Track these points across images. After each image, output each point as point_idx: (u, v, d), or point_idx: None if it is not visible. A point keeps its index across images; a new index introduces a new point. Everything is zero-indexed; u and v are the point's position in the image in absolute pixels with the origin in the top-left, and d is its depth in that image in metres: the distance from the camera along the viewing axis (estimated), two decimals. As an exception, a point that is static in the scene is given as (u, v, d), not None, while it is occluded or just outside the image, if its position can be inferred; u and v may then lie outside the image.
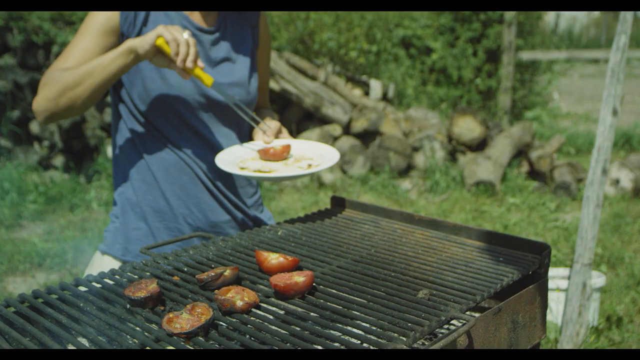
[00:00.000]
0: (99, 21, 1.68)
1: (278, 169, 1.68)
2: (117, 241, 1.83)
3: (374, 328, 1.06)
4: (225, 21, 1.85)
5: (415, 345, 1.04)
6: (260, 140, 1.82)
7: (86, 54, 1.66)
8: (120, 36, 1.71)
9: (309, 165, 1.71)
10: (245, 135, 1.95)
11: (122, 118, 1.81)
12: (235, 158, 1.75)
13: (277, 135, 1.85)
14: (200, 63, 1.62)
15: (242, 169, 1.69)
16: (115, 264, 1.80)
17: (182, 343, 1.03)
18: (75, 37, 1.69)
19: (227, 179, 1.86)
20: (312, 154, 1.80)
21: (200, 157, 1.80)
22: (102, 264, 1.82)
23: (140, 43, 1.57)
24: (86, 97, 1.62)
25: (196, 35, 1.78)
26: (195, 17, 1.81)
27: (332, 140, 6.31)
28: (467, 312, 1.25)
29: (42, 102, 1.64)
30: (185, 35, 1.59)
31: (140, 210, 1.81)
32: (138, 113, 1.77)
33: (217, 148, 1.82)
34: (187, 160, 1.79)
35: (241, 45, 1.89)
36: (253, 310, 1.15)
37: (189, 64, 1.59)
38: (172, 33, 1.57)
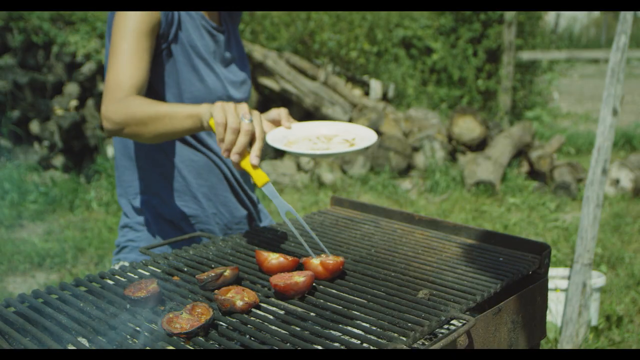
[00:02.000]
0: (142, 21, 1.60)
1: (330, 148, 1.56)
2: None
3: (374, 328, 1.06)
4: (226, 21, 1.87)
5: (415, 345, 1.04)
6: (281, 127, 1.66)
7: (141, 58, 1.59)
8: (161, 38, 1.66)
9: (346, 141, 1.64)
10: None
11: None
12: (282, 138, 1.61)
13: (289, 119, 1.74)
14: (254, 160, 1.37)
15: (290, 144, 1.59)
16: None
17: (182, 343, 1.03)
18: (120, 40, 1.59)
19: (244, 174, 1.88)
20: (341, 131, 1.75)
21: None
22: None
23: (204, 114, 1.44)
24: (151, 137, 1.54)
25: (214, 34, 1.80)
26: (209, 16, 1.82)
27: (332, 140, 6.31)
28: (467, 312, 1.25)
29: (116, 124, 1.55)
30: (244, 118, 1.37)
31: (171, 217, 1.79)
32: None
33: None
34: (216, 160, 1.81)
35: (239, 43, 1.93)
36: (253, 310, 1.15)
37: (233, 156, 1.36)
38: (224, 115, 1.37)
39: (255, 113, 1.42)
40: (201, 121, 1.45)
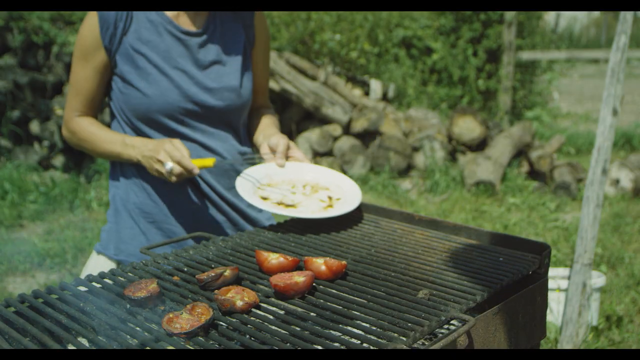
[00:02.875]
0: (83, 45, 1.74)
1: (300, 202, 1.67)
2: (111, 241, 1.84)
3: (374, 328, 1.06)
4: (215, 22, 1.81)
5: (415, 345, 1.04)
6: (272, 163, 1.78)
7: (88, 85, 1.77)
8: (106, 51, 1.74)
9: (330, 198, 1.71)
10: (244, 138, 1.93)
11: (116, 121, 1.83)
12: (255, 182, 1.72)
13: (288, 153, 1.80)
14: (191, 165, 1.62)
15: (263, 198, 1.68)
16: (110, 264, 1.82)
17: (182, 343, 1.03)
18: (73, 65, 1.79)
19: (224, 179, 1.85)
20: (328, 184, 1.78)
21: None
22: (98, 263, 1.83)
23: (143, 159, 1.69)
24: (101, 158, 1.83)
25: (182, 39, 1.76)
26: (182, 19, 1.77)
27: (332, 140, 6.31)
28: (467, 312, 1.25)
29: (68, 141, 1.86)
30: (168, 166, 1.62)
31: (130, 211, 1.82)
32: (127, 120, 1.79)
33: (213, 150, 1.81)
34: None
35: (232, 46, 1.84)
36: (253, 310, 1.15)
37: (187, 175, 1.64)
38: (154, 168, 1.66)
39: (176, 146, 1.64)
40: (139, 163, 1.72)
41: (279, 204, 1.65)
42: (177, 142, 1.65)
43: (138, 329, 1.08)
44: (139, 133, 1.78)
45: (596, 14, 21.59)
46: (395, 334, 1.04)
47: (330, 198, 1.71)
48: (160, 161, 1.63)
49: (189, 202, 1.82)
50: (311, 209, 1.64)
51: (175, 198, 1.81)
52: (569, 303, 3.07)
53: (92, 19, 1.72)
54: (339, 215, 1.63)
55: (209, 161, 1.68)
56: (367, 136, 6.44)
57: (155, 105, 1.74)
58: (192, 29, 1.79)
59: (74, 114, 1.80)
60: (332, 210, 1.64)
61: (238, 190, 1.67)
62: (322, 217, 1.61)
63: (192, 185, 1.82)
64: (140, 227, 1.82)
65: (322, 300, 1.19)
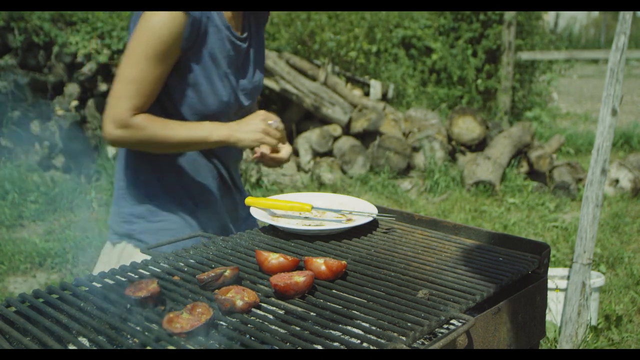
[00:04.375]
0: (163, 45, 1.63)
1: (322, 222, 1.66)
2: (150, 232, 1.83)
3: (374, 328, 1.07)
4: (249, 25, 1.86)
5: (415, 345, 1.04)
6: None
7: (157, 86, 1.68)
8: (182, 52, 1.69)
9: (342, 215, 1.70)
10: None
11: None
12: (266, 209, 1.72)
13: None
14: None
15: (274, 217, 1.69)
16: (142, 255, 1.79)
17: (182, 343, 1.03)
18: (139, 64, 1.64)
19: (236, 172, 1.96)
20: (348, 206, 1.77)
21: (227, 156, 1.89)
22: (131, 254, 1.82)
23: (243, 139, 1.71)
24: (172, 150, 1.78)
25: (236, 44, 1.79)
26: (232, 23, 1.80)
27: (332, 140, 6.32)
28: (467, 312, 1.26)
29: (120, 141, 1.69)
30: (275, 122, 1.76)
31: (171, 206, 1.84)
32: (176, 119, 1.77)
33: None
34: (216, 162, 1.86)
35: (260, 47, 1.92)
36: (253, 310, 1.15)
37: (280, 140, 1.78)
38: (272, 138, 1.74)
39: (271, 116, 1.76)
40: (237, 145, 1.72)
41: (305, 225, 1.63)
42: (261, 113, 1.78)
43: (138, 328, 1.09)
44: None
45: (595, 14, 21.60)
46: (395, 334, 1.04)
47: (342, 215, 1.70)
48: (265, 120, 1.73)
49: (215, 189, 1.87)
50: (337, 224, 1.62)
51: (208, 196, 1.86)
52: (568, 303, 3.08)
53: (178, 19, 1.63)
54: (366, 222, 1.62)
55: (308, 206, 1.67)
56: (367, 136, 6.44)
57: (213, 106, 1.76)
58: (239, 33, 1.83)
59: (130, 112, 1.66)
60: (357, 221, 1.62)
61: (254, 214, 1.66)
62: (351, 226, 1.59)
63: (221, 181, 1.89)
64: (185, 221, 1.84)
65: (322, 300, 1.19)
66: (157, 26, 1.62)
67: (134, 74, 1.65)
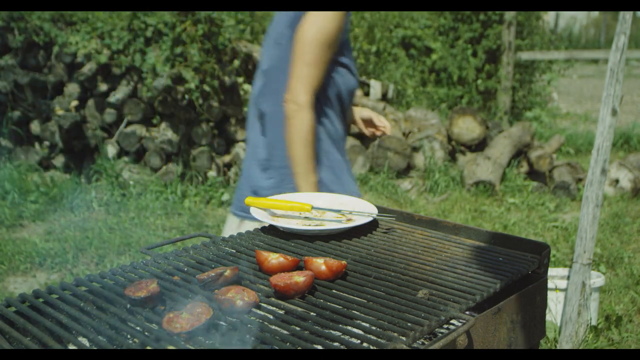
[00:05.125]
0: (335, 35, 2.00)
1: (322, 222, 1.65)
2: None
3: (374, 328, 1.07)
4: None
5: (415, 345, 1.04)
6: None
7: (325, 73, 2.03)
8: (339, 42, 2.05)
9: (342, 214, 1.70)
10: None
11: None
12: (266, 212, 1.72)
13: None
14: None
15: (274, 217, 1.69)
16: None
17: (182, 343, 1.03)
18: (318, 51, 1.98)
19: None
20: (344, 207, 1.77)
21: (342, 131, 2.20)
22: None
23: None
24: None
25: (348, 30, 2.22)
26: None
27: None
28: (467, 312, 1.26)
29: (308, 122, 1.99)
30: None
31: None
32: (327, 101, 2.09)
33: None
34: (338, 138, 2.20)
35: None
36: (253, 310, 1.15)
37: None
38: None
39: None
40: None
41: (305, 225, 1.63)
42: None
43: (138, 328, 1.09)
44: (325, 115, 2.10)
45: (595, 14, 21.60)
46: (395, 334, 1.04)
47: (342, 215, 1.70)
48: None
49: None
50: (337, 224, 1.62)
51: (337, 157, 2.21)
52: (568, 303, 3.08)
53: (344, 16, 2.01)
54: (367, 222, 1.62)
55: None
56: (367, 136, 6.43)
57: (356, 83, 2.15)
58: None
59: (309, 96, 1.98)
60: (357, 220, 1.62)
61: (254, 214, 1.66)
62: (352, 226, 1.60)
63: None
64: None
65: (322, 300, 1.19)
66: (331, 20, 2.00)
67: (315, 59, 1.99)
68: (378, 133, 2.39)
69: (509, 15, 8.11)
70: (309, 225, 1.62)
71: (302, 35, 1.98)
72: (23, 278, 3.88)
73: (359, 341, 1.03)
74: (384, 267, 1.36)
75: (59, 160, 5.82)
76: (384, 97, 7.31)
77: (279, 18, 2.14)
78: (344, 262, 1.31)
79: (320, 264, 1.29)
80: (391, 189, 5.82)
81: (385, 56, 8.45)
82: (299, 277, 1.22)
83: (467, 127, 6.53)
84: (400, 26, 8.74)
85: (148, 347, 1.03)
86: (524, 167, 6.31)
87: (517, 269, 1.36)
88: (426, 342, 1.15)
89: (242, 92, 6.04)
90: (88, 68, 5.64)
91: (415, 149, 6.45)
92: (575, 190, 5.76)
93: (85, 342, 1.07)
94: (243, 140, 6.11)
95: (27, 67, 5.80)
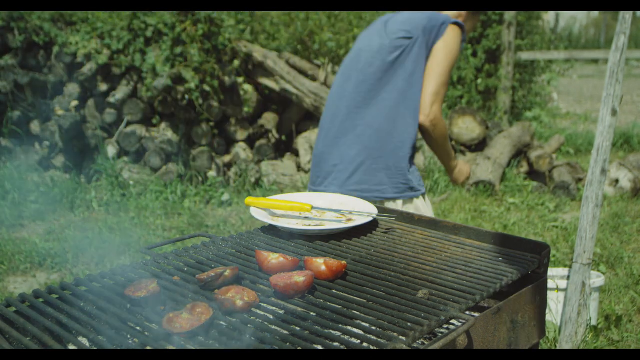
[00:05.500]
0: (457, 56, 2.50)
1: (322, 222, 1.66)
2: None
3: (374, 328, 1.07)
4: None
5: (414, 345, 1.05)
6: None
7: None
8: None
9: (342, 215, 1.70)
10: None
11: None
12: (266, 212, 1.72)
13: None
14: None
15: (274, 217, 1.68)
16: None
17: (182, 343, 1.03)
18: (449, 70, 2.46)
19: None
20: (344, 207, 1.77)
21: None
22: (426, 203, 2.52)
23: (457, 177, 2.73)
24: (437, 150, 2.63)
25: None
26: None
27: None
28: (467, 312, 1.26)
29: (441, 129, 2.48)
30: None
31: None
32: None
33: None
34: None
35: None
36: (253, 310, 1.15)
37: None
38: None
39: None
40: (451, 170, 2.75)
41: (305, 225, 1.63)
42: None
43: (138, 328, 1.09)
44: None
45: (595, 14, 21.61)
46: (395, 334, 1.04)
47: (342, 215, 1.70)
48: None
49: None
50: (337, 224, 1.62)
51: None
52: (568, 303, 3.08)
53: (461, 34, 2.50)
54: (366, 222, 1.62)
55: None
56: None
57: None
58: None
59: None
60: (357, 220, 1.62)
61: (254, 214, 1.66)
62: (351, 226, 1.60)
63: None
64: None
65: (322, 300, 1.19)
66: (457, 43, 2.50)
67: (447, 79, 2.44)
68: None
69: (509, 15, 8.11)
70: (309, 225, 1.62)
71: (442, 57, 2.41)
72: (23, 278, 3.88)
73: (359, 341, 1.03)
74: (384, 267, 1.36)
75: (59, 160, 5.82)
76: (384, 97, 7.30)
77: (412, 16, 2.48)
78: (344, 262, 1.31)
79: (320, 264, 1.29)
80: (391, 189, 5.81)
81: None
82: (299, 277, 1.22)
83: (467, 127, 6.53)
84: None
85: (148, 347, 1.03)
86: (524, 167, 6.31)
87: (517, 268, 1.36)
88: (426, 342, 1.16)
89: (242, 92, 6.04)
90: (88, 68, 5.64)
91: (415, 149, 6.44)
92: (575, 190, 5.76)
93: (85, 342, 1.07)
94: (243, 140, 6.11)
95: (27, 67, 5.80)
